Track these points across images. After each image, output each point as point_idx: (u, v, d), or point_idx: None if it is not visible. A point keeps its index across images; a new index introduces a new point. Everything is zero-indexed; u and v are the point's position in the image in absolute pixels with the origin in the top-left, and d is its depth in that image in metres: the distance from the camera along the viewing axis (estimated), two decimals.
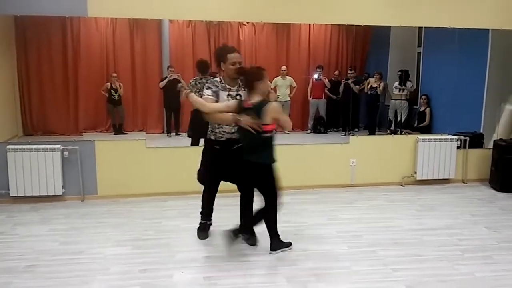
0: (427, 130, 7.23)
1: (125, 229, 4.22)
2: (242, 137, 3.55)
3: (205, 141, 3.88)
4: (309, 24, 8.30)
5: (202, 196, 4.09)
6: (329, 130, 8.25)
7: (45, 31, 7.28)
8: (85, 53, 7.62)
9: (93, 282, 3.16)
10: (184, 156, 5.30)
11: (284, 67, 7.82)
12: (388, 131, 7.89)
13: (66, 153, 4.92)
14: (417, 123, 7.61)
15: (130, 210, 4.78)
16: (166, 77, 7.36)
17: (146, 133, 7.67)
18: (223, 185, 3.94)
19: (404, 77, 7.82)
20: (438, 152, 5.73)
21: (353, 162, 5.60)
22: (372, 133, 7.17)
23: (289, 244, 3.72)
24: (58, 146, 4.89)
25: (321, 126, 8.23)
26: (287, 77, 7.78)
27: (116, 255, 3.62)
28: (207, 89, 3.65)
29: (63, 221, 4.43)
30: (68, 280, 3.18)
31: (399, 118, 8.04)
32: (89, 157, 5.03)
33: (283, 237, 3.78)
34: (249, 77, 3.47)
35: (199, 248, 3.78)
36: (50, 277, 3.22)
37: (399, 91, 7.86)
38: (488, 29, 5.98)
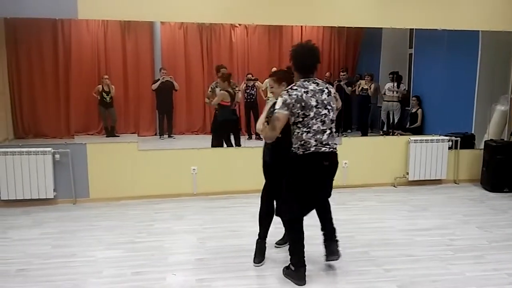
0: (419, 131, 7.28)
1: (117, 232, 4.20)
2: None
3: (300, 156, 2.98)
4: (301, 26, 8.33)
5: (293, 239, 3.22)
6: None
7: (36, 33, 7.23)
8: (77, 55, 7.57)
9: (85, 285, 3.14)
10: (176, 158, 5.29)
11: (274, 68, 7.82)
12: (381, 132, 7.93)
13: (57, 156, 4.89)
14: (409, 124, 7.66)
15: (123, 212, 4.76)
16: (159, 79, 7.35)
17: (139, 136, 7.66)
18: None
19: (396, 78, 7.87)
20: (430, 153, 5.77)
21: (345, 163, 5.62)
22: (364, 134, 7.20)
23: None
24: (49, 149, 4.86)
25: None
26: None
27: (108, 258, 3.61)
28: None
29: (55, 224, 4.40)
30: (60, 284, 3.16)
31: (391, 120, 8.09)
32: (80, 160, 5.00)
33: (273, 239, 3.79)
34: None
35: (192, 250, 3.77)
36: (42, 281, 3.20)
37: (392, 92, 7.91)
38: (478, 31, 6.04)
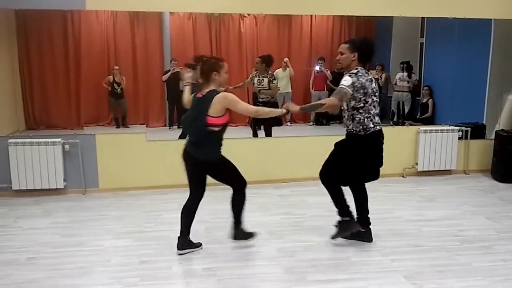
0: (429, 121, 7.20)
1: (125, 221, 4.25)
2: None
3: (363, 136, 3.40)
4: (311, 16, 8.26)
5: (365, 200, 3.66)
6: (331, 122, 8.23)
7: (46, 25, 7.32)
8: (86, 47, 7.65)
9: (93, 274, 3.19)
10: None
11: (286, 59, 7.79)
12: (391, 123, 7.86)
13: (67, 146, 4.94)
14: (419, 114, 7.58)
15: (131, 203, 4.81)
16: (169, 70, 7.36)
17: (148, 126, 7.71)
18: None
19: (407, 68, 7.78)
20: (439, 143, 5.70)
21: None
22: None
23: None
24: (59, 139, 4.91)
25: (323, 118, 8.21)
26: (288, 68, 7.76)
27: (116, 247, 3.66)
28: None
29: (64, 214, 4.47)
30: (68, 272, 3.22)
31: (402, 110, 8.01)
32: (90, 150, 5.05)
33: (282, 229, 3.80)
34: (205, 67, 3.30)
35: (199, 240, 3.79)
36: (51, 269, 3.26)
37: (403, 82, 7.82)
38: (491, 19, 5.92)
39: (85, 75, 7.64)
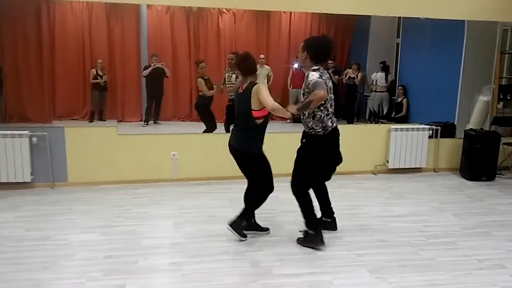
0: (404, 120, 7.29)
1: (94, 216, 4.19)
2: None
3: (322, 136, 3.47)
4: (290, 13, 8.26)
5: (308, 206, 3.57)
6: None
7: (19, 16, 7.12)
8: (61, 40, 7.46)
9: (55, 268, 3.13)
10: (156, 144, 5.26)
11: (262, 56, 7.77)
12: (369, 122, 7.94)
13: (34, 139, 4.83)
14: (394, 113, 7.67)
15: (101, 197, 4.74)
16: (150, 66, 7.26)
17: (123, 121, 7.57)
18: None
19: (384, 68, 7.86)
20: (410, 141, 5.79)
21: None
22: (350, 123, 7.21)
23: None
24: (26, 132, 4.80)
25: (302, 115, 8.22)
26: (265, 66, 7.74)
27: (82, 242, 3.60)
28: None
29: (30, 208, 4.37)
30: (29, 266, 3.14)
31: (381, 110, 8.09)
32: (58, 143, 4.95)
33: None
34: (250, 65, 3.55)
35: (167, 235, 3.77)
36: (11, 263, 3.18)
37: (384, 82, 7.89)
38: (464, 20, 6.03)
39: (59, 68, 7.47)
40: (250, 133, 3.51)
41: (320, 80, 3.29)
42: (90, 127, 5.79)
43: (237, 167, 3.64)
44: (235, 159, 3.60)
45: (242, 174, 3.68)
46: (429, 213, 4.40)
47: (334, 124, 3.52)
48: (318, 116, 3.42)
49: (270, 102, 3.36)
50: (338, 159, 3.64)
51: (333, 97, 3.50)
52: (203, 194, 4.93)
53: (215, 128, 5.93)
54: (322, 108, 3.41)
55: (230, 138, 3.62)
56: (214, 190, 5.09)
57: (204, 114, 6.14)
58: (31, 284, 2.91)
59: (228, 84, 5.98)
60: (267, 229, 3.82)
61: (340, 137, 3.61)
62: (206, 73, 6.29)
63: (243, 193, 3.76)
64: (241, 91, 3.52)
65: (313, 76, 3.32)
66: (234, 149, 3.56)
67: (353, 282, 3.00)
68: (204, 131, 5.82)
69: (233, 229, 3.60)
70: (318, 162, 3.50)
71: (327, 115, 3.44)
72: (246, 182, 3.75)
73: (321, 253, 3.43)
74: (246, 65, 3.54)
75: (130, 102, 7.87)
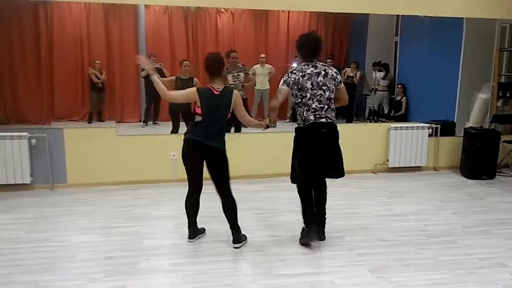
0: (403, 119, 7.28)
1: (94, 217, 4.18)
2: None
3: (301, 128, 3.46)
4: (288, 12, 8.25)
5: (301, 202, 3.58)
6: None
7: (17, 17, 7.10)
8: (59, 41, 7.45)
9: (56, 270, 3.12)
10: (156, 144, 5.25)
11: (263, 55, 7.76)
12: (368, 121, 7.93)
13: (33, 140, 4.82)
14: (393, 112, 7.67)
15: (101, 198, 4.73)
16: None
17: (123, 122, 7.56)
18: None
19: (384, 67, 7.85)
20: (410, 140, 5.78)
21: None
22: (349, 122, 7.20)
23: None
24: (25, 133, 4.79)
25: None
26: (266, 65, 7.74)
27: (83, 243, 3.59)
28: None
29: (30, 209, 4.36)
30: (29, 268, 3.13)
31: (381, 109, 8.09)
32: (58, 145, 4.94)
33: (251, 224, 3.78)
34: (218, 64, 3.47)
35: (168, 235, 3.76)
36: (11, 265, 3.17)
37: (385, 81, 7.89)
38: (463, 18, 6.03)
39: (57, 69, 7.45)
40: (224, 134, 3.51)
41: (281, 86, 3.45)
42: (89, 128, 5.78)
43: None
44: (210, 159, 3.45)
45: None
46: (429, 212, 4.39)
47: (322, 119, 3.38)
48: (298, 112, 3.49)
49: (247, 117, 3.54)
50: (324, 162, 3.46)
51: (319, 92, 3.37)
52: (202, 194, 4.85)
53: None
54: (300, 105, 3.44)
55: (203, 138, 3.37)
56: (214, 190, 5.04)
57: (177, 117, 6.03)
58: (31, 286, 2.90)
59: (235, 83, 5.96)
60: (204, 230, 3.80)
61: (336, 141, 3.51)
62: (191, 72, 6.23)
63: (225, 209, 3.65)
64: (216, 92, 3.38)
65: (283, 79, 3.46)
66: (214, 148, 3.39)
67: (354, 281, 2.99)
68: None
69: (241, 243, 3.55)
70: (299, 154, 3.49)
71: (307, 110, 3.40)
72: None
73: (321, 253, 3.42)
74: (217, 66, 3.44)
75: (129, 102, 7.86)
